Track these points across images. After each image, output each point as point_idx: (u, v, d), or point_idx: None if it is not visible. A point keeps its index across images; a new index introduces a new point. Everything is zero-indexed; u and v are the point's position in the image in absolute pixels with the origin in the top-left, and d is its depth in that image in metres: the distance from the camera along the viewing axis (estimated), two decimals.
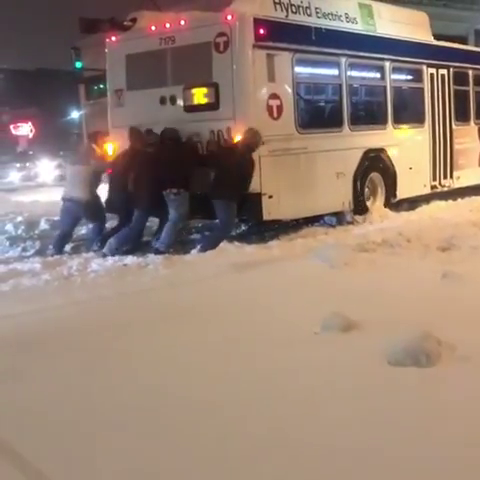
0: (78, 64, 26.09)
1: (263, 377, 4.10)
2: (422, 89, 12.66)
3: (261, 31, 9.18)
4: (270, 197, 9.30)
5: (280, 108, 9.53)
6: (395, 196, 11.87)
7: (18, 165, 32.21)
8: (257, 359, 4.45)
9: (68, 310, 6.15)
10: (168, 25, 9.78)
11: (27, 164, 32.25)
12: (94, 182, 9.62)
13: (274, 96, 9.47)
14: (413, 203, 12.27)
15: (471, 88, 14.09)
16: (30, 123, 43.86)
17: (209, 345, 4.80)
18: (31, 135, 43.76)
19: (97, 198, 9.70)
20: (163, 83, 9.88)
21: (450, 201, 12.74)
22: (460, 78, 13.69)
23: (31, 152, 36.24)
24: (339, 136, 10.69)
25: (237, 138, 9.13)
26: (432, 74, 12.89)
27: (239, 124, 9.13)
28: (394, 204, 11.91)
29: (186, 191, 9.06)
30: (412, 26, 12.39)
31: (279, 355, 4.48)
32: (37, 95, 47.07)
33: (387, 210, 11.48)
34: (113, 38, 10.51)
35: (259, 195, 9.19)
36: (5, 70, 48.87)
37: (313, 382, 3.98)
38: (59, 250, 9.48)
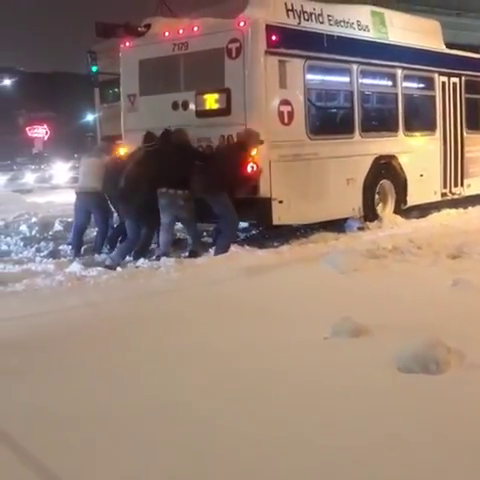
0: (94, 68, 26.34)
1: (272, 381, 4.12)
2: (434, 97, 12.71)
3: (273, 38, 9.28)
4: (280, 202, 9.37)
5: (291, 114, 9.62)
6: (405, 203, 11.92)
7: (33, 167, 32.58)
8: (266, 363, 4.45)
9: (81, 311, 6.21)
10: (181, 31, 9.90)
11: (42, 166, 32.59)
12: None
13: (285, 102, 9.56)
14: (423, 210, 12.31)
15: None
16: (46, 125, 44.36)
17: (218, 348, 4.81)
18: (46, 137, 44.25)
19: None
20: (176, 88, 10.01)
21: (460, 209, 12.74)
22: (471, 87, 13.73)
23: (46, 154, 36.64)
24: (350, 142, 10.77)
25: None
26: (444, 82, 12.95)
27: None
28: (404, 211, 11.95)
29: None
30: (424, 34, 12.45)
31: (289, 360, 4.49)
32: (53, 98, 47.61)
33: (397, 217, 11.52)
34: (127, 43, 10.65)
35: (269, 200, 9.27)
36: (22, 73, 49.45)
37: (322, 387, 4.00)
38: (77, 248, 9.63)
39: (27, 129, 44.41)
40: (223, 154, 9.09)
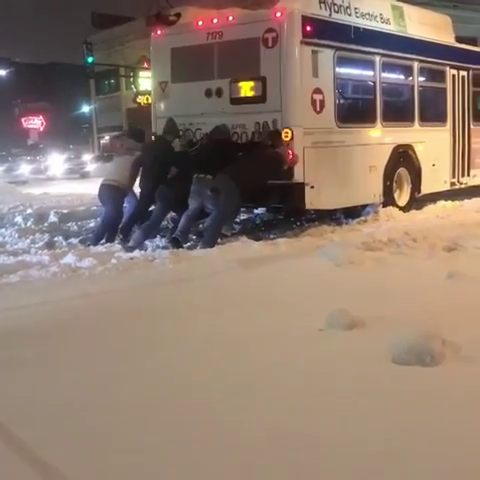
0: (90, 59, 26.62)
1: (266, 373, 4.09)
2: (445, 89, 13.17)
3: (308, 28, 9.60)
4: (312, 187, 9.71)
5: (322, 102, 9.97)
6: (419, 191, 12.35)
7: (28, 158, 32.48)
8: (261, 355, 4.43)
9: (76, 302, 6.14)
10: (216, 20, 10.16)
11: (37, 157, 32.51)
12: (133, 173, 9.78)
13: (317, 91, 9.90)
14: (420, 203, 12.52)
15: None
16: (41, 116, 44.12)
17: (213, 340, 4.79)
18: (42, 128, 43.99)
19: (130, 189, 9.97)
20: (209, 76, 10.24)
21: (456, 202, 12.85)
22: (478, 80, 14.20)
23: (41, 145, 36.51)
24: (373, 131, 11.19)
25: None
26: (454, 75, 13.40)
27: (285, 116, 9.55)
28: (417, 199, 12.39)
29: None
30: (437, 28, 12.88)
31: (283, 351, 4.46)
32: (48, 89, 47.34)
33: (393, 209, 11.46)
34: (158, 32, 10.85)
35: (302, 185, 9.60)
36: (17, 63, 49.04)
37: (316, 379, 3.96)
38: (98, 238, 9.60)
39: (22, 120, 44.07)
40: (263, 160, 9.31)
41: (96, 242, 9.42)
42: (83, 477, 2.97)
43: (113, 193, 9.76)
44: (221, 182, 9.09)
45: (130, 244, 8.97)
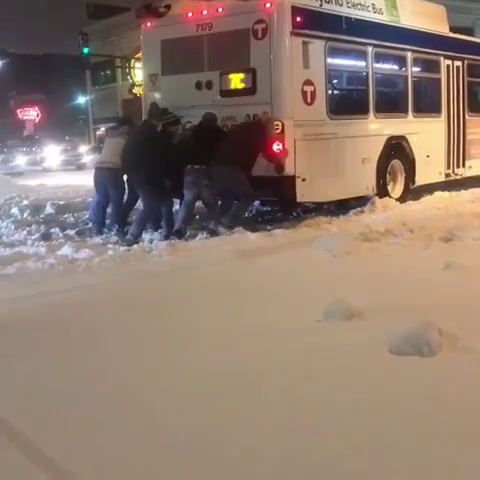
0: (85, 50, 26.51)
1: (264, 364, 4.11)
2: (439, 80, 13.05)
3: (298, 19, 9.50)
4: (303, 180, 9.64)
5: (313, 94, 9.88)
6: (414, 182, 12.27)
7: (24, 149, 32.42)
8: (259, 346, 4.44)
9: (72, 294, 6.15)
10: (205, 12, 10.06)
11: (33, 148, 32.45)
12: None
13: (308, 82, 9.81)
14: (416, 194, 12.46)
15: None
16: (37, 108, 44.03)
17: (210, 331, 4.80)
18: (37, 120, 43.92)
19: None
20: (199, 68, 10.17)
21: (453, 192, 12.81)
22: (473, 70, 14.09)
23: (37, 136, 36.43)
24: (365, 123, 11.10)
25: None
26: (448, 65, 13.28)
27: (276, 108, 9.46)
28: (411, 191, 12.31)
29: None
30: (431, 18, 12.76)
31: (282, 342, 4.48)
32: (44, 80, 47.28)
33: (390, 200, 11.48)
34: (148, 24, 10.75)
35: (293, 178, 9.53)
36: (13, 54, 48.85)
37: (314, 369, 3.99)
38: (100, 224, 9.70)
39: (18, 111, 44.02)
40: (238, 132, 9.39)
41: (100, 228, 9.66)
42: (80, 468, 2.97)
43: (112, 175, 9.64)
44: (222, 173, 9.19)
45: (127, 237, 8.95)
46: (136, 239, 8.83)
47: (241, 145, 9.13)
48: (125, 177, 9.74)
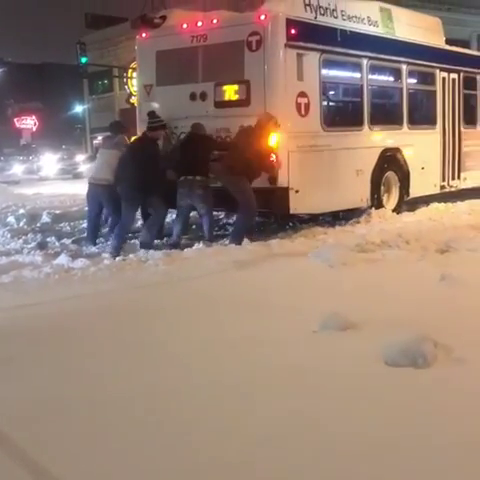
0: (83, 59, 26.57)
1: (260, 374, 4.12)
2: (435, 92, 13.07)
3: (292, 31, 9.50)
4: (297, 192, 9.61)
5: (307, 106, 9.87)
6: (408, 194, 12.26)
7: (21, 158, 32.49)
8: (255, 357, 4.45)
9: (69, 303, 6.16)
10: (200, 23, 10.06)
11: (30, 157, 32.50)
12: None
13: (302, 94, 9.80)
14: (412, 205, 12.47)
15: (478, 93, 14.56)
16: (34, 116, 44.12)
17: (206, 341, 4.81)
18: (35, 128, 43.98)
19: None
20: (193, 79, 10.16)
21: (449, 204, 12.80)
22: (469, 83, 14.14)
23: (34, 145, 36.51)
24: (359, 135, 11.09)
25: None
26: (444, 78, 13.31)
27: None
28: (406, 203, 12.30)
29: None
30: (427, 31, 12.79)
31: (277, 353, 4.50)
32: (41, 89, 47.33)
33: (386, 211, 11.49)
34: (143, 34, 10.76)
35: (287, 189, 9.51)
36: (10, 63, 48.94)
37: (309, 380, 4.00)
38: (92, 239, 9.68)
39: (15, 120, 44.08)
40: (243, 139, 9.26)
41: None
42: (73, 477, 2.97)
43: (107, 192, 9.52)
44: (228, 183, 9.18)
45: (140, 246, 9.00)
46: (151, 245, 8.96)
47: (245, 153, 9.04)
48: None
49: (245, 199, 9.20)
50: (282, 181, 9.48)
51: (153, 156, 9.15)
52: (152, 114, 9.50)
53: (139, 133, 10.76)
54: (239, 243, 8.77)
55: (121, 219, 9.33)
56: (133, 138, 10.23)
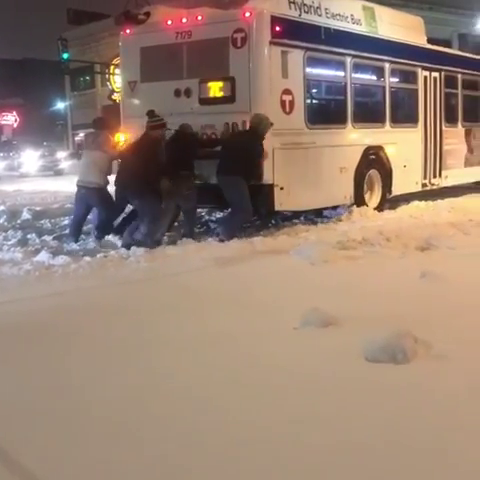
0: (65, 55, 26.44)
1: (241, 372, 4.12)
2: (417, 91, 13.20)
3: (277, 28, 9.53)
4: (281, 189, 9.66)
5: (292, 103, 9.92)
6: (390, 192, 12.38)
7: (1, 154, 32.21)
8: (236, 353, 4.46)
9: (49, 300, 6.11)
10: (184, 20, 10.05)
11: (11, 154, 32.24)
12: (108, 170, 9.63)
13: (287, 92, 9.85)
14: (393, 203, 12.56)
15: (459, 92, 14.72)
16: (15, 112, 43.77)
17: (190, 337, 4.82)
18: (15, 125, 43.63)
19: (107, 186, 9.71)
20: (178, 76, 10.14)
21: (430, 202, 12.90)
22: (450, 81, 14.29)
23: (15, 142, 36.22)
24: (343, 133, 11.17)
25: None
26: (426, 77, 13.44)
27: None
28: (388, 200, 12.41)
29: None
30: (409, 30, 12.89)
31: (258, 350, 4.52)
32: (22, 85, 46.88)
33: (368, 209, 11.55)
34: (128, 31, 10.72)
35: (272, 186, 9.56)
36: None
37: (290, 377, 4.01)
38: (75, 239, 9.59)
39: None
40: (242, 141, 9.27)
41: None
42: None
43: (97, 194, 9.45)
44: (223, 183, 9.20)
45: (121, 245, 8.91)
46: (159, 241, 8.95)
47: (240, 153, 9.06)
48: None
49: (238, 200, 9.26)
50: (267, 178, 9.52)
51: (156, 154, 9.12)
52: (151, 113, 9.39)
53: (123, 130, 10.78)
54: (229, 239, 8.82)
55: (147, 216, 9.02)
56: (119, 138, 10.21)
